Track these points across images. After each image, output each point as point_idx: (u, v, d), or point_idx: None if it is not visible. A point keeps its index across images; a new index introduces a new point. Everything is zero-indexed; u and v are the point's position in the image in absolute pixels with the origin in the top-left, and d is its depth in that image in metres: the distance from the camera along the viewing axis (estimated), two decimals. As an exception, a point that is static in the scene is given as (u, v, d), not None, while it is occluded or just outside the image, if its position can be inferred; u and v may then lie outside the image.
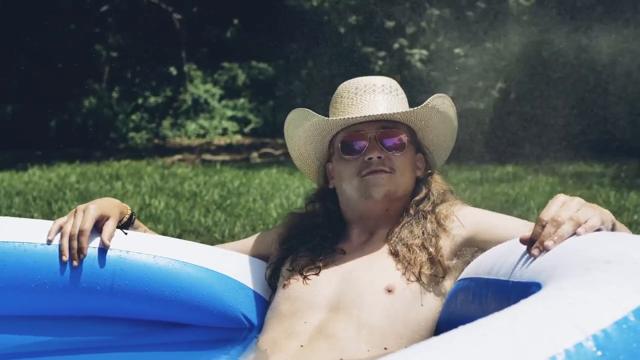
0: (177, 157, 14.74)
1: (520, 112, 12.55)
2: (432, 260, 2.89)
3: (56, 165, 12.79)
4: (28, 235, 2.94)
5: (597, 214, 2.31)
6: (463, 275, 2.78)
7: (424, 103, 3.01)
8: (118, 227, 3.08)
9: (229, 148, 16.86)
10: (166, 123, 18.89)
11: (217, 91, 19.23)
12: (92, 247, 2.94)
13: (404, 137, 3.03)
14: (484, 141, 11.68)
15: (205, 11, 19.42)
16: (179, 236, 6.82)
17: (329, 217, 3.15)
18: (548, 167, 10.88)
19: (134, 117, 18.76)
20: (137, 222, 3.21)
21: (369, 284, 2.87)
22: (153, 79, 19.61)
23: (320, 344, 2.76)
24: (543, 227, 2.28)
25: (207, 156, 15.15)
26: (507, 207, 7.61)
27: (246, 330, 3.07)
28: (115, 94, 18.98)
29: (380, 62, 13.01)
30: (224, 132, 18.44)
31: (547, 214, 2.30)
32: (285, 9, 15.35)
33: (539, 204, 7.59)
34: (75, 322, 3.05)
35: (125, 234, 3.05)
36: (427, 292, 2.87)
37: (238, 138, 18.15)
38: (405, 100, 3.15)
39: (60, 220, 2.98)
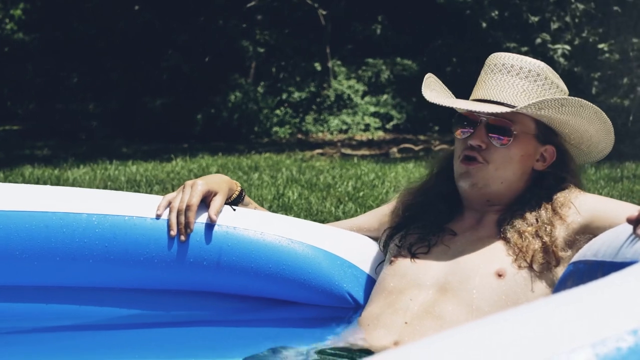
0: (318, 150, 14.82)
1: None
2: (546, 250, 2.78)
3: (199, 157, 13.02)
4: (138, 209, 2.97)
5: None
6: (573, 259, 2.67)
7: (531, 102, 2.77)
8: (227, 203, 3.09)
9: (369, 143, 16.83)
10: (309, 118, 19.00)
11: (361, 87, 19.22)
12: (199, 223, 2.95)
13: (517, 128, 2.86)
14: (628, 139, 11.31)
15: (351, 7, 19.45)
16: (309, 225, 6.85)
17: (444, 194, 3.05)
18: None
19: (278, 111, 18.93)
20: (247, 199, 3.20)
21: (479, 267, 2.78)
22: (298, 74, 19.76)
23: (426, 322, 2.71)
24: (650, 206, 2.18)
25: (347, 150, 15.18)
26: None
27: (352, 310, 3.04)
28: (260, 89, 19.19)
29: (522, 58, 12.73)
30: (366, 128, 18.39)
31: (654, 193, 2.19)
32: (432, 4, 15.26)
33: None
34: (182, 297, 3.08)
35: (234, 210, 3.06)
36: (538, 280, 2.76)
37: (380, 134, 18.09)
38: (552, 88, 2.92)
39: (170, 196, 3.00)
